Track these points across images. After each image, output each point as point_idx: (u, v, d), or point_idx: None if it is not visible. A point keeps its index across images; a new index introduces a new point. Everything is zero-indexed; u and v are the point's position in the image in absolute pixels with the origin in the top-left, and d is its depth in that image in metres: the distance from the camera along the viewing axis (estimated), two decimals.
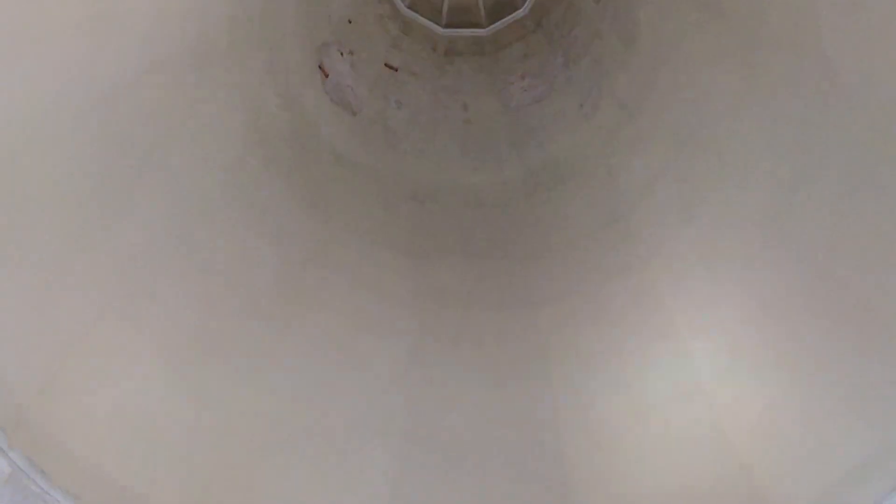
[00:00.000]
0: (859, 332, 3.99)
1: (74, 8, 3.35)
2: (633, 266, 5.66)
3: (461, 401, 5.61)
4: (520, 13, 9.94)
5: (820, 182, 4.24)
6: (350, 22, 8.13)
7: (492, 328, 6.12)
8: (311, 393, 5.28)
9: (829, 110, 4.16)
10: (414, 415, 5.50)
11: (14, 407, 3.58)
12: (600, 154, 6.64)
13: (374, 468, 5.17)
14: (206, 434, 4.60)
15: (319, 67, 7.17)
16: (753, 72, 4.76)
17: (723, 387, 4.74)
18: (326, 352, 5.51)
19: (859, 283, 4.01)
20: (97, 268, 3.94)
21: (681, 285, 5.24)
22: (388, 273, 6.26)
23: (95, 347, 4.02)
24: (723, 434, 4.65)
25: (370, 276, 6.15)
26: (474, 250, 6.69)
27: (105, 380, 4.07)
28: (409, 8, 10.19)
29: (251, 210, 5.47)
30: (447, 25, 10.08)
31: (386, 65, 8.45)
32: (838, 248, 4.11)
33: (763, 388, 4.53)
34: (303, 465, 5.02)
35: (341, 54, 7.69)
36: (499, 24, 10.10)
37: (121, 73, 3.98)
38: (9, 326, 3.51)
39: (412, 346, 5.88)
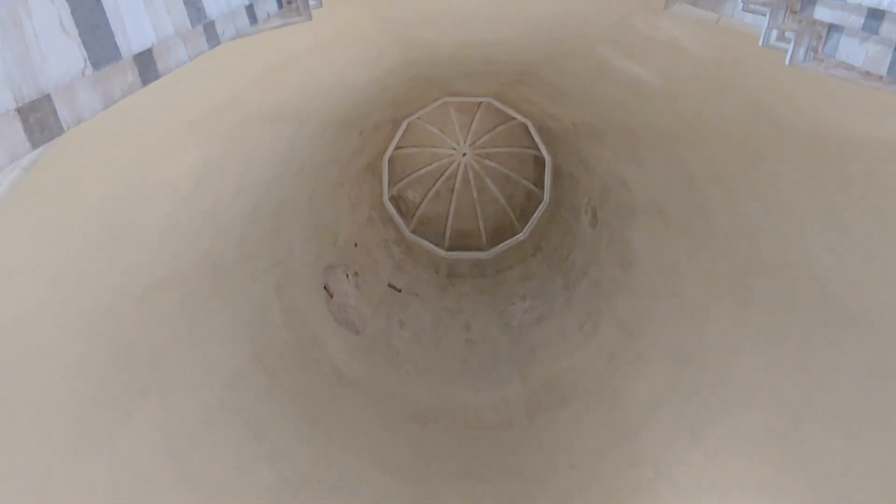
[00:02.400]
0: None
1: (87, 222, 3.50)
2: (641, 491, 5.40)
3: None
4: (519, 237, 10.48)
5: (828, 403, 4.16)
6: (356, 245, 8.50)
7: None
8: None
9: (828, 331, 4.19)
10: None
11: None
12: (603, 374, 6.61)
13: None
14: None
15: (325, 287, 7.37)
16: (749, 294, 4.87)
17: None
18: None
19: None
20: (91, 477, 3.77)
21: None
22: (386, 498, 5.97)
23: None
24: None
25: (367, 500, 5.86)
26: (476, 473, 6.43)
27: None
28: (413, 233, 10.77)
29: (249, 425, 5.36)
30: (450, 249, 10.59)
31: (390, 286, 8.71)
32: (851, 473, 3.94)
33: None
34: None
35: (346, 276, 7.94)
36: (499, 248, 10.62)
37: (130, 287, 4.09)
38: None
39: None
